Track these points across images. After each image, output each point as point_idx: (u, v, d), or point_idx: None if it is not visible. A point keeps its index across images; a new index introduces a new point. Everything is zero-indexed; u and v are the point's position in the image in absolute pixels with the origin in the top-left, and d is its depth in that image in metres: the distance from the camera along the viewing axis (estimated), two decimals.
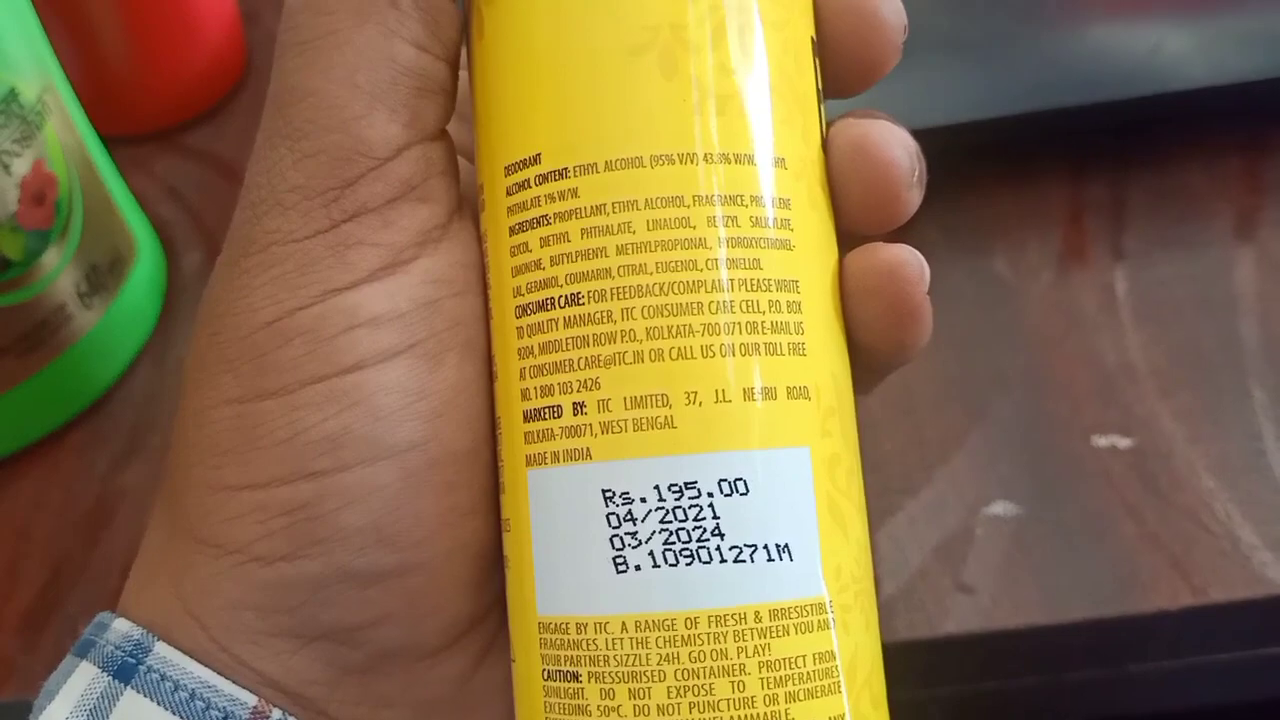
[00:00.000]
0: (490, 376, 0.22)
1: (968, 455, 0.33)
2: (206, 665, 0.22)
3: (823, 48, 0.21)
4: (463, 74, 0.22)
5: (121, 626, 0.22)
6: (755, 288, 0.19)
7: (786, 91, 0.20)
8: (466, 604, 0.23)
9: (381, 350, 0.21)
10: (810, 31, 0.21)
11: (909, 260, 0.21)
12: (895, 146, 0.21)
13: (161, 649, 0.22)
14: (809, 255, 0.20)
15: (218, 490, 0.22)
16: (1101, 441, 0.33)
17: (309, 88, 0.21)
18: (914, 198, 0.21)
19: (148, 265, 0.40)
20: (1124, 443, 0.33)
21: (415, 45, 0.21)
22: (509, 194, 0.20)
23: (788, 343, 0.19)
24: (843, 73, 0.22)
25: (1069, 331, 0.35)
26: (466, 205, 0.22)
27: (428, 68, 0.21)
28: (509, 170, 0.20)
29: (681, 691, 0.18)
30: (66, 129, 0.36)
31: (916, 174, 0.21)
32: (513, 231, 0.20)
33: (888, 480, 0.33)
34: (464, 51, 0.22)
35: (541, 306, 0.19)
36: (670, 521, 0.19)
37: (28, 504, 0.36)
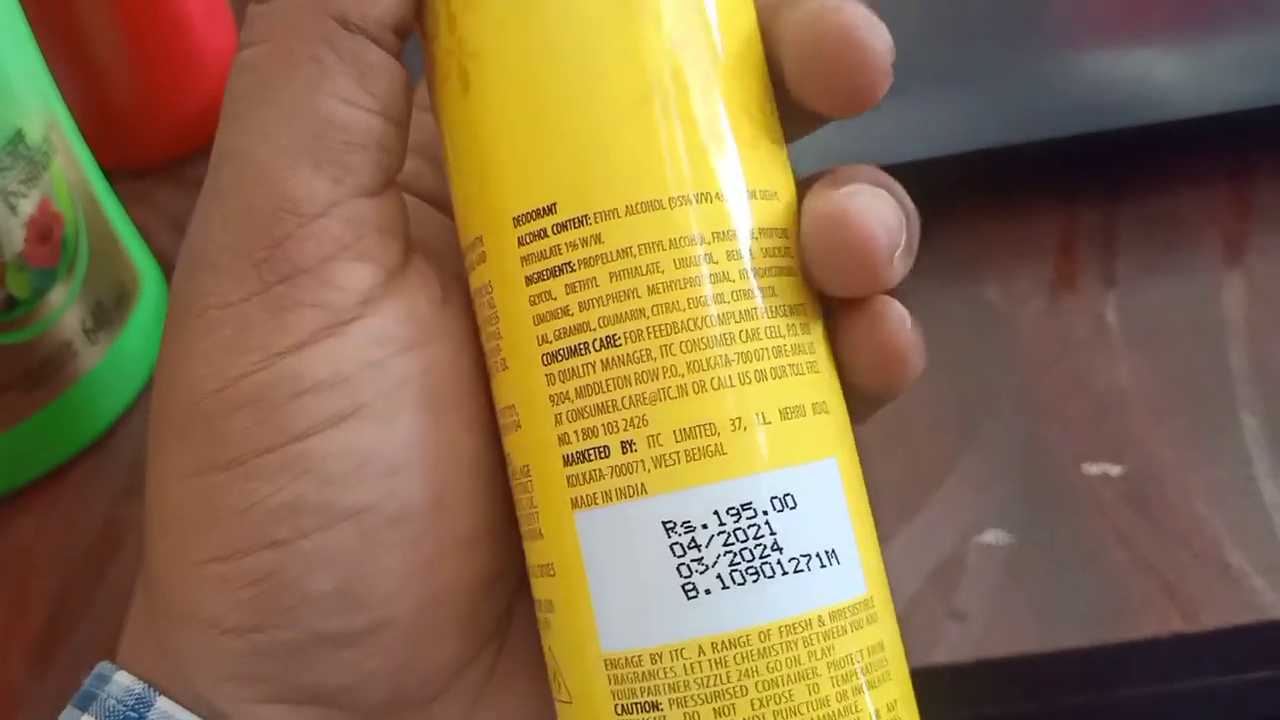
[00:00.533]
0: (471, 426, 0.22)
1: (960, 481, 0.33)
2: None
3: (813, 78, 0.21)
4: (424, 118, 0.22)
5: (123, 680, 0.22)
6: (776, 314, 0.20)
7: (772, 127, 0.21)
8: (448, 652, 0.23)
9: (328, 416, 0.21)
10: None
11: (890, 314, 0.21)
12: (872, 222, 0.20)
13: (164, 704, 0.22)
14: (807, 278, 0.21)
15: (182, 564, 0.22)
16: (1093, 469, 0.33)
17: (236, 147, 0.21)
18: (894, 274, 0.21)
19: (152, 299, 0.40)
20: (1115, 470, 0.33)
21: (342, 100, 0.21)
22: (522, 244, 0.20)
23: (805, 362, 0.20)
24: (835, 101, 0.21)
25: (1060, 358, 0.36)
26: (418, 254, 0.22)
27: (356, 122, 0.21)
28: (519, 221, 0.20)
29: (764, 702, 0.19)
30: (71, 167, 0.36)
31: (899, 250, 0.21)
32: (531, 280, 0.20)
33: (882, 506, 0.33)
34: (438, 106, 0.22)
35: (574, 351, 0.20)
36: (733, 544, 0.19)
37: (33, 537, 0.37)
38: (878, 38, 0.20)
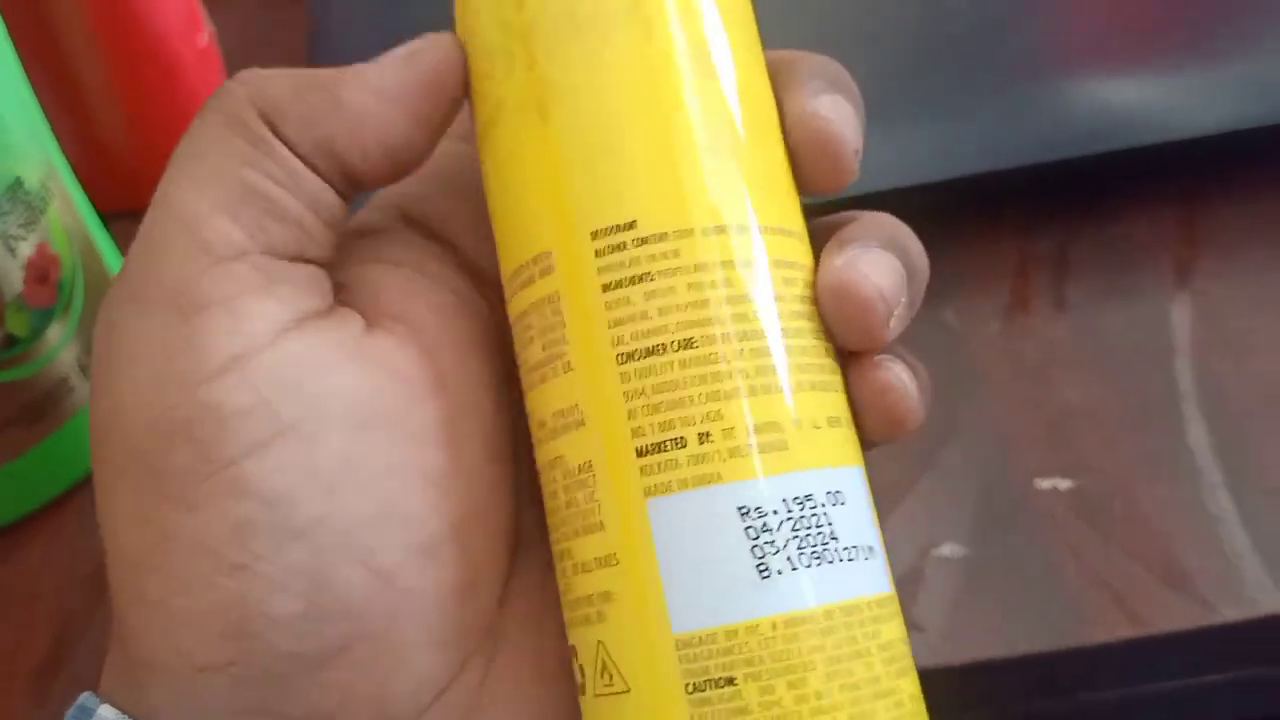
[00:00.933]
0: (415, 440, 0.23)
1: (917, 498, 0.35)
2: None
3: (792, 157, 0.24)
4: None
5: (106, 714, 0.22)
6: (816, 336, 0.23)
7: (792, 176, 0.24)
8: (428, 665, 0.23)
9: (255, 439, 0.21)
10: None
11: (896, 385, 0.23)
12: (869, 291, 0.23)
13: (105, 712, 0.22)
14: None
15: (144, 606, 0.22)
16: (1045, 484, 0.35)
17: (165, 194, 0.23)
18: (890, 334, 0.23)
19: None
20: (1066, 484, 0.35)
21: (268, 177, 0.22)
22: (599, 255, 0.22)
23: (836, 382, 0.23)
24: (808, 182, 0.24)
25: (1015, 378, 0.37)
26: (338, 304, 0.24)
27: (279, 199, 0.22)
28: (598, 235, 0.23)
29: (831, 676, 0.21)
30: (68, 210, 0.38)
31: (896, 312, 0.23)
32: (608, 288, 0.22)
33: None
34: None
35: (652, 352, 0.22)
36: (799, 529, 0.21)
37: (38, 565, 0.38)
38: (851, 132, 0.23)
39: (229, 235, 0.22)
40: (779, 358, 0.22)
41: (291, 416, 0.22)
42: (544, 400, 0.23)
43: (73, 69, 0.45)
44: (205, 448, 0.21)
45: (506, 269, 0.24)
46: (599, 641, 0.23)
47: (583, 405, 0.23)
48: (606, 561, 0.22)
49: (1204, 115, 0.40)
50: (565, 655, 0.25)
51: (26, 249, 0.36)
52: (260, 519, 0.21)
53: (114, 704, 0.22)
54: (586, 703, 0.23)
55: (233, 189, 0.22)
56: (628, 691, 0.22)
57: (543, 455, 0.24)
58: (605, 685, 0.23)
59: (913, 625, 0.32)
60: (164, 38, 0.46)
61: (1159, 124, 0.40)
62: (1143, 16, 0.44)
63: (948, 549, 0.34)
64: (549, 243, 0.23)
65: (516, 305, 0.24)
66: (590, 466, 0.22)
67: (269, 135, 0.23)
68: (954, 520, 0.34)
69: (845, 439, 0.23)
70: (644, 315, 0.22)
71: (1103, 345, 0.38)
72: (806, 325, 0.23)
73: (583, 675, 0.23)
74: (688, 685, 0.21)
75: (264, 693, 0.22)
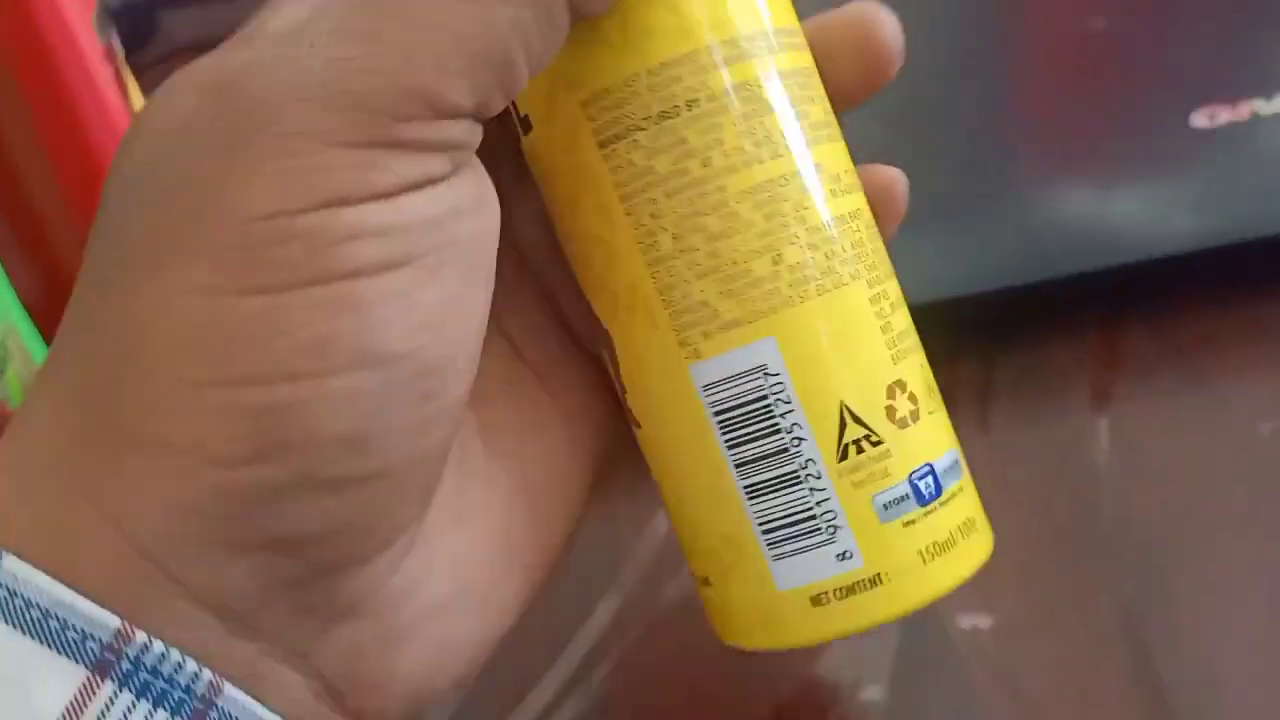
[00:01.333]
0: (488, 301, 0.24)
1: (840, 640, 0.36)
2: (117, 574, 0.20)
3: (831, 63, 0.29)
4: None
5: (13, 567, 0.20)
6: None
7: None
8: (409, 513, 0.23)
9: (382, 260, 0.21)
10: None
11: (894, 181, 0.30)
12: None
13: (10, 564, 0.20)
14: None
15: (176, 384, 0.21)
16: (965, 622, 0.36)
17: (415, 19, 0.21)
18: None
19: None
20: (986, 622, 0.36)
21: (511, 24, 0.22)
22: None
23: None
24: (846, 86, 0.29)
25: None
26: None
27: (498, 46, 0.22)
28: None
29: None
30: (26, 368, 0.40)
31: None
32: None
33: (769, 668, 0.36)
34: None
35: None
36: None
37: None
38: (890, 31, 0.29)
39: (459, 99, 0.22)
40: None
41: (423, 248, 0.22)
42: (836, 156, 0.27)
43: (38, 221, 0.46)
44: (327, 254, 0.21)
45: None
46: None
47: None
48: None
49: (1124, 245, 0.41)
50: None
51: None
52: (348, 338, 0.21)
53: (41, 472, 0.21)
54: None
55: (472, 32, 0.22)
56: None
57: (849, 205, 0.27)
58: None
59: None
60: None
61: (1081, 254, 0.41)
62: (1064, 149, 0.46)
63: (872, 691, 0.35)
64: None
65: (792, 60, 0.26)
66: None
67: None
68: (876, 662, 0.36)
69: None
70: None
71: (1021, 474, 0.39)
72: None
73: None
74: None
75: (253, 505, 0.21)
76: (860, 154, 0.35)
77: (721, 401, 0.25)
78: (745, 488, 0.25)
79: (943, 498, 0.26)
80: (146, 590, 0.21)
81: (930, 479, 0.26)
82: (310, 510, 0.21)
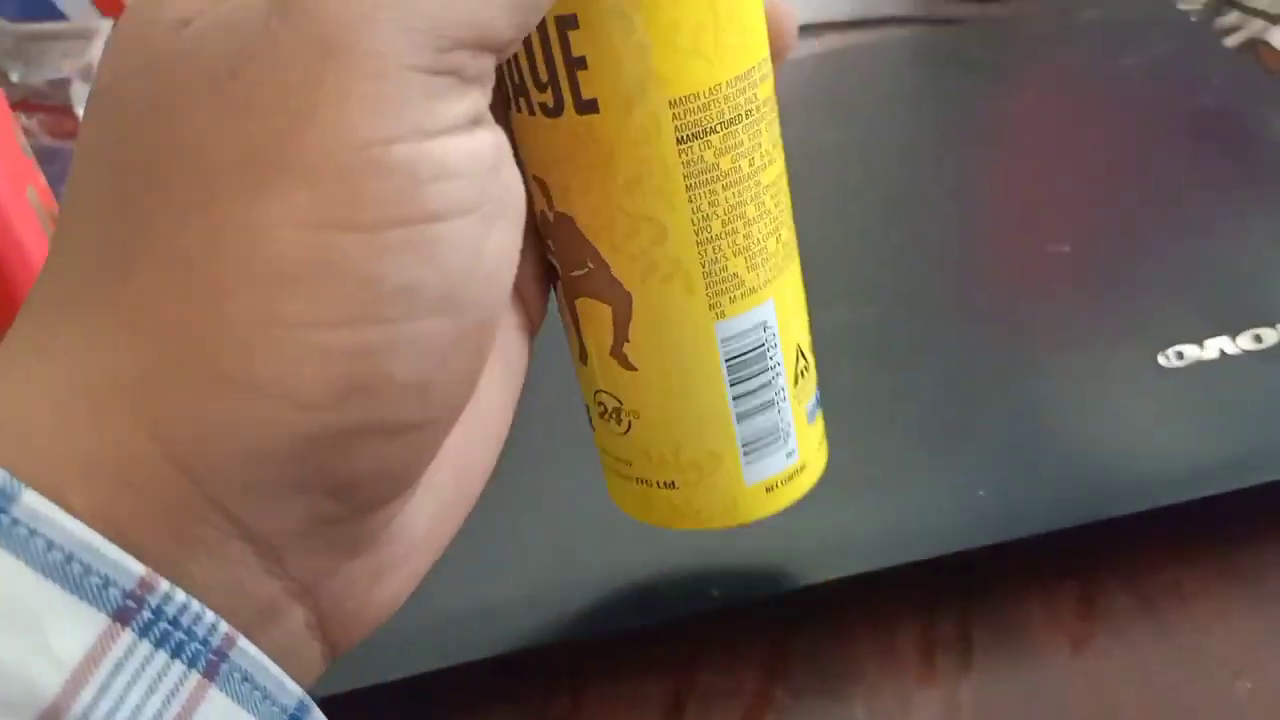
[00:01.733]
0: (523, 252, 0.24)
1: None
2: (169, 517, 0.20)
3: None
4: None
5: (36, 503, 0.19)
6: None
7: None
8: (434, 456, 0.24)
9: (457, 205, 0.21)
10: None
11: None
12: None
13: (31, 499, 0.19)
14: None
15: (270, 324, 0.20)
16: None
17: None
18: None
19: None
20: None
21: None
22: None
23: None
24: None
25: None
26: None
27: None
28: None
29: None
30: None
31: None
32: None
33: None
34: None
35: None
36: None
37: None
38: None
39: (510, 34, 0.22)
40: None
41: (487, 196, 0.22)
42: None
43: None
44: (417, 193, 0.20)
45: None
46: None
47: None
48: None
49: (1093, 501, 0.41)
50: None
51: None
52: (434, 284, 0.21)
53: (96, 406, 0.20)
54: None
55: None
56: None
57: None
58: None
59: None
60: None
61: (1052, 512, 0.41)
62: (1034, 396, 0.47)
63: None
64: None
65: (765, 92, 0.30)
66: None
67: None
68: None
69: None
70: None
71: None
72: None
73: None
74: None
75: (330, 449, 0.21)
76: (831, 398, 0.36)
77: (734, 350, 0.31)
78: (738, 414, 0.32)
79: (819, 405, 0.35)
80: (200, 530, 0.20)
81: (818, 391, 0.35)
82: (371, 454, 0.21)
